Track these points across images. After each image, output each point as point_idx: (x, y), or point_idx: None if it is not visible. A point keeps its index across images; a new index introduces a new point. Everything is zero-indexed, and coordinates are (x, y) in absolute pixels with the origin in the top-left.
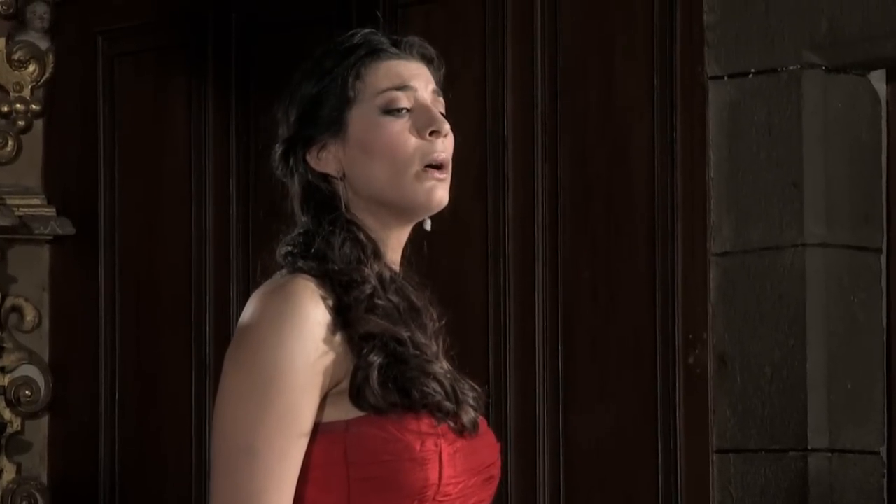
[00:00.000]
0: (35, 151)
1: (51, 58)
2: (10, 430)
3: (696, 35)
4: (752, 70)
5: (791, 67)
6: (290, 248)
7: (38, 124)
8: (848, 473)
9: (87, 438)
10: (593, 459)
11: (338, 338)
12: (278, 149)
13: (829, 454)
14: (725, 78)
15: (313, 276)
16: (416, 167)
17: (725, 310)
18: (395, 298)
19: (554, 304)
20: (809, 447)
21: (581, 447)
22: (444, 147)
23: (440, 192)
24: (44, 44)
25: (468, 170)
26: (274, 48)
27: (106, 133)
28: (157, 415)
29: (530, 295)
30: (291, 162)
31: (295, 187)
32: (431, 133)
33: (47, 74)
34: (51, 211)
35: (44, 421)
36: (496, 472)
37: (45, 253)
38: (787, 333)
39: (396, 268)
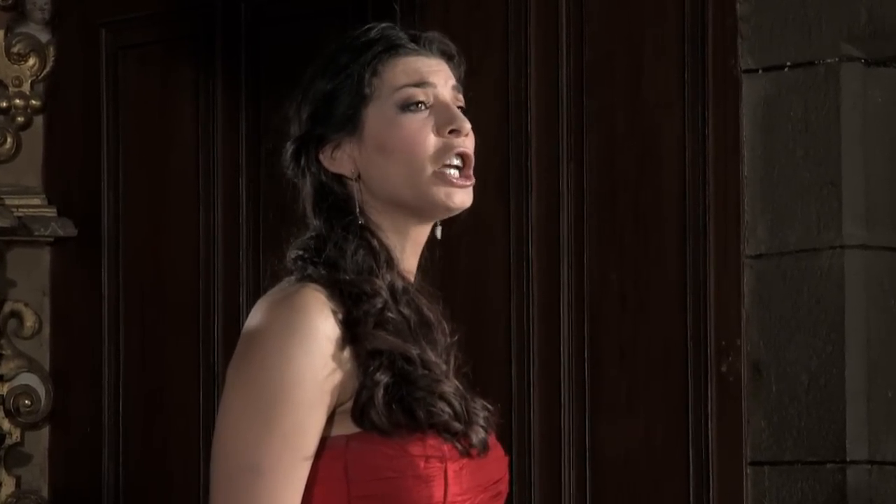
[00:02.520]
0: (35, 149)
1: (51, 51)
2: (9, 441)
3: (729, 26)
4: (788, 63)
5: (829, 60)
6: (300, 253)
7: (39, 120)
8: (888, 487)
9: (89, 450)
10: (621, 472)
11: (346, 353)
12: (289, 147)
13: (869, 466)
14: (760, 71)
15: (323, 285)
16: (435, 166)
17: (760, 315)
18: (406, 311)
19: (580, 310)
20: (848, 459)
21: (608, 459)
22: (465, 143)
23: (460, 196)
24: (44, 36)
25: (489, 169)
26: (286, 40)
27: (109, 130)
28: (162, 426)
29: (555, 300)
30: (303, 162)
31: (307, 188)
32: (451, 132)
33: (48, 68)
34: (51, 211)
35: (44, 432)
36: (504, 487)
37: (45, 255)
38: (825, 340)
39: (411, 276)
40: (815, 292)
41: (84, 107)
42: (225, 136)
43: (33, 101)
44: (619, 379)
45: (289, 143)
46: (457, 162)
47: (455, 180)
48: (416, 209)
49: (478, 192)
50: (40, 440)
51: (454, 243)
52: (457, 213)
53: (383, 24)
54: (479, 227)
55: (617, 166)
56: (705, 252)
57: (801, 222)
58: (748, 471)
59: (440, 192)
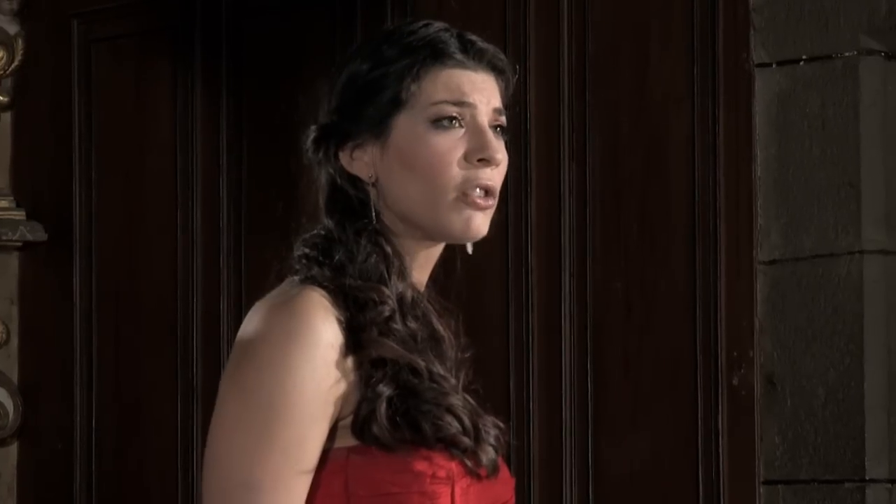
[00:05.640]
0: (2, 148)
1: (20, 43)
2: None
3: (741, 18)
4: (804, 57)
5: (847, 54)
6: (306, 251)
7: (7, 118)
8: None
9: (60, 469)
10: (626, 492)
11: (350, 362)
12: (312, 132)
13: (889, 485)
14: (774, 66)
15: (327, 289)
16: (455, 194)
17: (774, 325)
18: (413, 325)
19: (582, 319)
20: (867, 477)
21: (612, 478)
22: (492, 176)
23: (477, 222)
24: (13, 28)
25: None
26: (269, 33)
27: (81, 127)
28: (138, 443)
29: (556, 309)
30: (322, 153)
31: (321, 181)
32: (480, 160)
33: (16, 62)
34: (20, 214)
35: (12, 449)
36: None
37: (13, 261)
38: (843, 351)
39: (422, 287)
40: (832, 300)
41: (55, 103)
42: (204, 135)
43: (0, 97)
44: (623, 393)
45: (312, 128)
46: (479, 193)
47: (478, 199)
48: (429, 232)
49: None
50: (8, 457)
51: (448, 248)
52: (472, 241)
53: (438, 25)
54: None
55: (621, 166)
56: (716, 258)
57: (818, 226)
58: (761, 490)
59: (458, 219)
